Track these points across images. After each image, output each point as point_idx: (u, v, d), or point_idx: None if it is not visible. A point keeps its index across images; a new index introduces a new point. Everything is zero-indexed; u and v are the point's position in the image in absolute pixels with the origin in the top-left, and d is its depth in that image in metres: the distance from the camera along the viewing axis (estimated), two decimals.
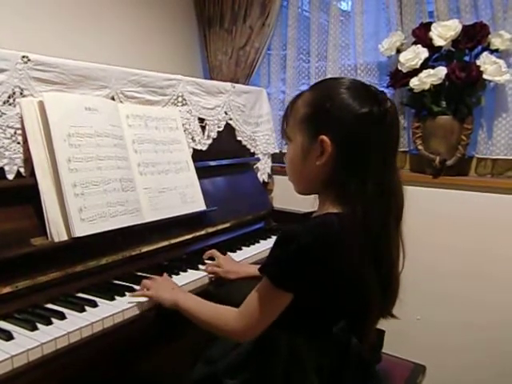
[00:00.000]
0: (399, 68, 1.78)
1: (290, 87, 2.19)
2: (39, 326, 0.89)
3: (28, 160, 1.08)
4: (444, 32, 1.68)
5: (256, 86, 2.11)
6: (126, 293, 1.07)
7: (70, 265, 1.08)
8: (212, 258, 1.32)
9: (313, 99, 0.88)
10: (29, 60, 1.10)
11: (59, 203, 1.08)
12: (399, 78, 1.79)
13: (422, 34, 1.74)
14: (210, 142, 1.68)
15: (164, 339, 1.12)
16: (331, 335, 0.89)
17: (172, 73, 1.55)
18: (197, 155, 1.57)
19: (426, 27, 1.74)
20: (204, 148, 1.65)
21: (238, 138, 1.86)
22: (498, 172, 1.77)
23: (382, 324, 0.92)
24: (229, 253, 1.41)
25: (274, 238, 1.56)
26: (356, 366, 0.91)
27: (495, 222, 1.69)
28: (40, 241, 1.05)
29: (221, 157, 1.70)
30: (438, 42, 1.70)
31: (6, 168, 1.06)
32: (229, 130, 1.79)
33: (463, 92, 1.69)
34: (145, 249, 1.27)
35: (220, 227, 1.55)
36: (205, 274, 1.24)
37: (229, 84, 1.81)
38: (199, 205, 1.47)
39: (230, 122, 1.80)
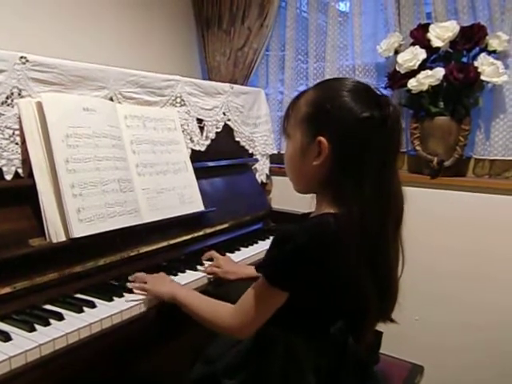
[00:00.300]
0: (397, 69, 1.78)
1: (288, 88, 2.19)
2: (37, 326, 0.89)
3: (26, 161, 1.08)
4: (442, 33, 1.69)
5: (254, 87, 2.11)
6: (125, 293, 1.07)
7: (68, 265, 1.08)
8: (211, 260, 1.32)
9: (315, 99, 0.88)
10: (27, 60, 1.10)
11: (57, 204, 1.08)
12: (397, 78, 1.80)
13: (419, 35, 1.75)
14: (208, 142, 1.68)
15: (162, 339, 1.12)
16: (329, 335, 0.89)
17: (170, 73, 1.55)
18: (195, 156, 1.57)
19: (423, 28, 1.75)
20: (202, 149, 1.65)
21: (237, 139, 1.86)
22: (495, 173, 1.78)
23: (381, 324, 0.93)
24: (227, 253, 1.41)
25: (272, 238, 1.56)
26: (353, 366, 0.91)
27: (493, 222, 1.70)
28: (38, 241, 1.05)
29: (219, 157, 1.70)
30: (436, 43, 1.70)
31: (4, 169, 1.05)
32: (227, 130, 1.79)
33: (461, 93, 1.70)
34: (143, 249, 1.27)
35: (218, 228, 1.55)
36: (203, 274, 1.24)
37: (227, 85, 1.81)
38: (197, 205, 1.47)
39: (229, 122, 1.80)
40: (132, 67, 1.43)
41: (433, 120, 1.74)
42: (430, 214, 1.79)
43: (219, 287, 1.24)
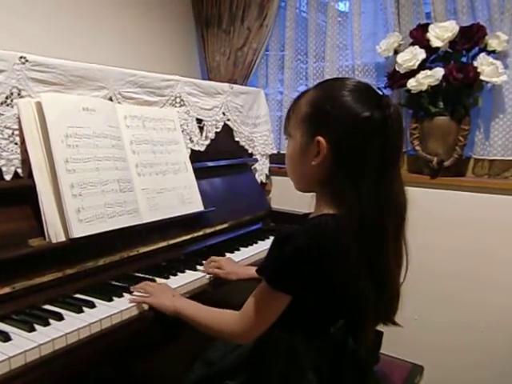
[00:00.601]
0: (397, 69, 1.78)
1: (287, 88, 2.19)
2: (37, 326, 0.89)
3: (26, 161, 1.08)
4: (441, 33, 1.69)
5: (254, 87, 2.11)
6: (124, 294, 1.07)
7: (68, 266, 1.08)
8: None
9: (314, 99, 0.87)
10: (26, 61, 1.10)
11: (57, 204, 1.08)
12: (397, 78, 1.80)
13: (419, 35, 1.75)
14: (207, 142, 1.68)
15: (162, 340, 1.12)
16: (329, 335, 0.89)
17: (170, 73, 1.55)
18: (195, 156, 1.57)
19: (423, 28, 1.75)
20: (202, 149, 1.65)
21: (236, 139, 1.86)
22: (494, 173, 1.78)
23: (381, 326, 0.93)
24: (227, 253, 1.41)
25: (272, 238, 1.56)
26: (353, 366, 0.91)
27: (492, 222, 1.70)
28: (38, 242, 1.05)
29: (219, 157, 1.71)
30: (436, 43, 1.70)
31: (4, 169, 1.05)
32: (227, 130, 1.80)
33: (460, 93, 1.70)
34: (143, 249, 1.27)
35: (218, 228, 1.55)
36: (203, 274, 1.24)
37: (227, 85, 1.81)
38: (197, 205, 1.47)
39: (228, 122, 1.80)
40: (131, 67, 1.43)
41: (432, 120, 1.74)
42: (429, 214, 1.79)
43: (218, 287, 1.24)
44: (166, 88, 1.52)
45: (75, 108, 1.17)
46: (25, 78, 1.10)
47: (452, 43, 1.71)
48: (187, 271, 1.25)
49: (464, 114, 1.71)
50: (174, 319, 0.99)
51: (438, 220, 1.80)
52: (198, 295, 1.15)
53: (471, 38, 1.67)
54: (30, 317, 0.94)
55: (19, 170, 1.08)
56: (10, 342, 0.84)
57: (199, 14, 2.28)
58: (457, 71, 1.65)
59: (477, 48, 1.70)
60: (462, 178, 1.82)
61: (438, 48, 1.73)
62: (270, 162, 2.07)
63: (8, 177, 1.06)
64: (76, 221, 1.08)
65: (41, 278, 1.02)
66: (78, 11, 1.80)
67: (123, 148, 1.29)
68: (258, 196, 1.90)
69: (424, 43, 1.73)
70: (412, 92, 1.74)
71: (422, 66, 1.73)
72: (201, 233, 1.48)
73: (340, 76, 2.03)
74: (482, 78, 1.64)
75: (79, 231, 1.08)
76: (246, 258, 1.43)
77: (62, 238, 1.07)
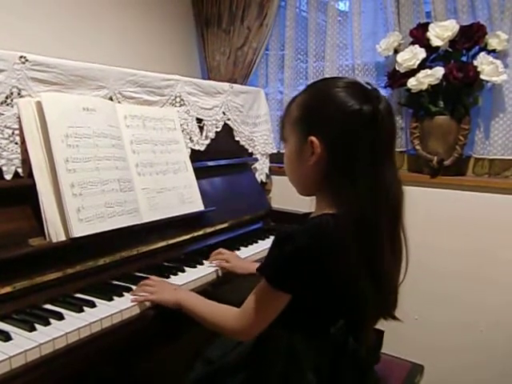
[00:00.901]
0: (397, 68, 1.78)
1: (287, 87, 2.19)
2: (37, 326, 0.89)
3: (26, 160, 1.08)
4: (441, 32, 1.69)
5: (254, 87, 2.11)
6: (125, 293, 1.07)
7: (68, 265, 1.08)
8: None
9: (304, 101, 0.89)
10: (26, 60, 1.10)
11: (57, 203, 1.08)
12: (397, 78, 1.80)
13: (419, 35, 1.75)
14: (207, 142, 1.68)
15: (163, 339, 1.12)
16: (329, 335, 0.89)
17: (170, 73, 1.55)
18: (195, 155, 1.57)
19: (423, 27, 1.75)
20: (202, 148, 1.65)
21: (236, 139, 1.86)
22: (495, 172, 1.78)
23: (381, 324, 0.93)
24: None
25: (272, 237, 1.56)
26: (353, 366, 0.92)
27: (492, 221, 1.70)
28: (38, 241, 1.05)
29: (219, 157, 1.71)
30: (436, 42, 1.70)
31: (4, 168, 1.05)
32: (227, 130, 1.79)
33: (460, 92, 1.70)
34: (143, 249, 1.27)
35: (218, 227, 1.55)
36: (203, 273, 1.24)
37: (227, 84, 1.81)
38: (197, 205, 1.47)
39: (228, 122, 1.80)
40: (131, 67, 1.43)
41: (432, 119, 1.75)
42: (429, 213, 1.79)
43: (219, 287, 1.24)
44: (166, 87, 1.52)
45: (75, 108, 1.17)
46: (25, 77, 1.10)
47: (452, 42, 1.71)
48: (187, 270, 1.25)
49: (464, 113, 1.71)
50: (174, 316, 0.99)
51: (438, 219, 1.80)
52: (199, 294, 1.15)
53: (471, 37, 1.67)
54: (31, 316, 0.94)
55: (19, 170, 1.08)
56: (10, 341, 0.84)
57: (199, 13, 2.28)
58: (457, 70, 1.65)
59: (477, 47, 1.70)
60: (462, 177, 1.82)
61: (438, 47, 1.73)
62: (270, 162, 2.07)
63: (8, 176, 1.06)
64: (76, 220, 1.08)
65: (41, 278, 1.02)
66: (77, 11, 1.80)
67: (123, 148, 1.29)
68: (258, 195, 1.90)
69: (424, 42, 1.73)
70: (412, 91, 1.74)
71: (422, 65, 1.73)
72: (201, 232, 1.48)
73: (340, 75, 2.03)
74: (482, 77, 1.64)
75: (79, 231, 1.08)
76: (246, 257, 1.42)
77: (63, 238, 1.07)
